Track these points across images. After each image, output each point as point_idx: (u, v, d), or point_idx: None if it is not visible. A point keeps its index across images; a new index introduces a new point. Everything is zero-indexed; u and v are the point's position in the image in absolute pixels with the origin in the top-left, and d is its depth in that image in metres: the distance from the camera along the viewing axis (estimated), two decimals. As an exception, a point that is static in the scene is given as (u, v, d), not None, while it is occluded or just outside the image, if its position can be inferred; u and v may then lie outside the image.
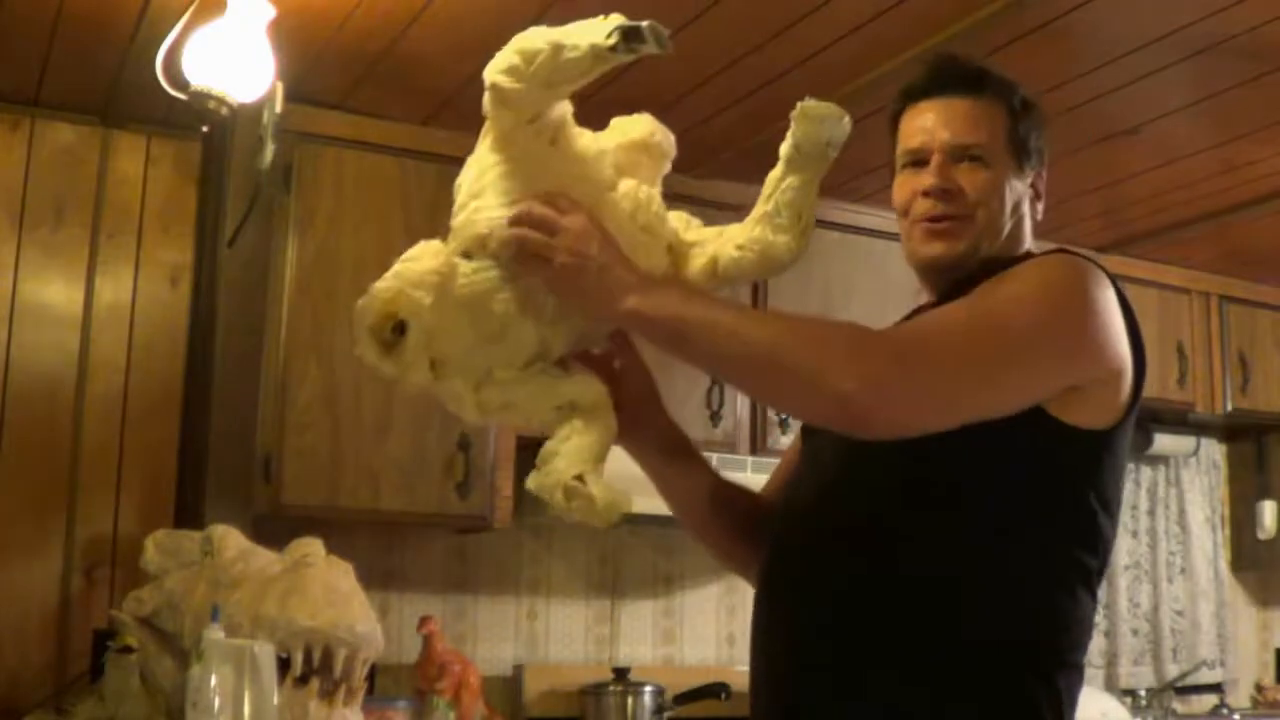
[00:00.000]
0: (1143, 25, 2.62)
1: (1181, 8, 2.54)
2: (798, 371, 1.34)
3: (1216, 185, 3.52)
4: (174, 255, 3.25)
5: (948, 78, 1.62)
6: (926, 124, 1.60)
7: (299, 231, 2.97)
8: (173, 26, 2.59)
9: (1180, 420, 4.28)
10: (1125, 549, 4.37)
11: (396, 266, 1.37)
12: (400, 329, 1.33)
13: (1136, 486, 4.43)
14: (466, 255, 1.39)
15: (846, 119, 1.48)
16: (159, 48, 2.62)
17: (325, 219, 2.98)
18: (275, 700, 2.18)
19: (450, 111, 3.02)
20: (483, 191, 1.38)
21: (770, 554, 1.58)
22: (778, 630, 1.53)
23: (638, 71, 2.87)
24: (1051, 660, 1.42)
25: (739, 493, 1.74)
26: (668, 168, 1.54)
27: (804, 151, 1.48)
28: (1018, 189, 1.61)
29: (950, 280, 1.57)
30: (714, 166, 3.35)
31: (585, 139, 1.44)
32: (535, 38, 1.31)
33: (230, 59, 2.58)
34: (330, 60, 2.82)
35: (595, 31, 1.29)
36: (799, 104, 1.47)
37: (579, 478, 1.36)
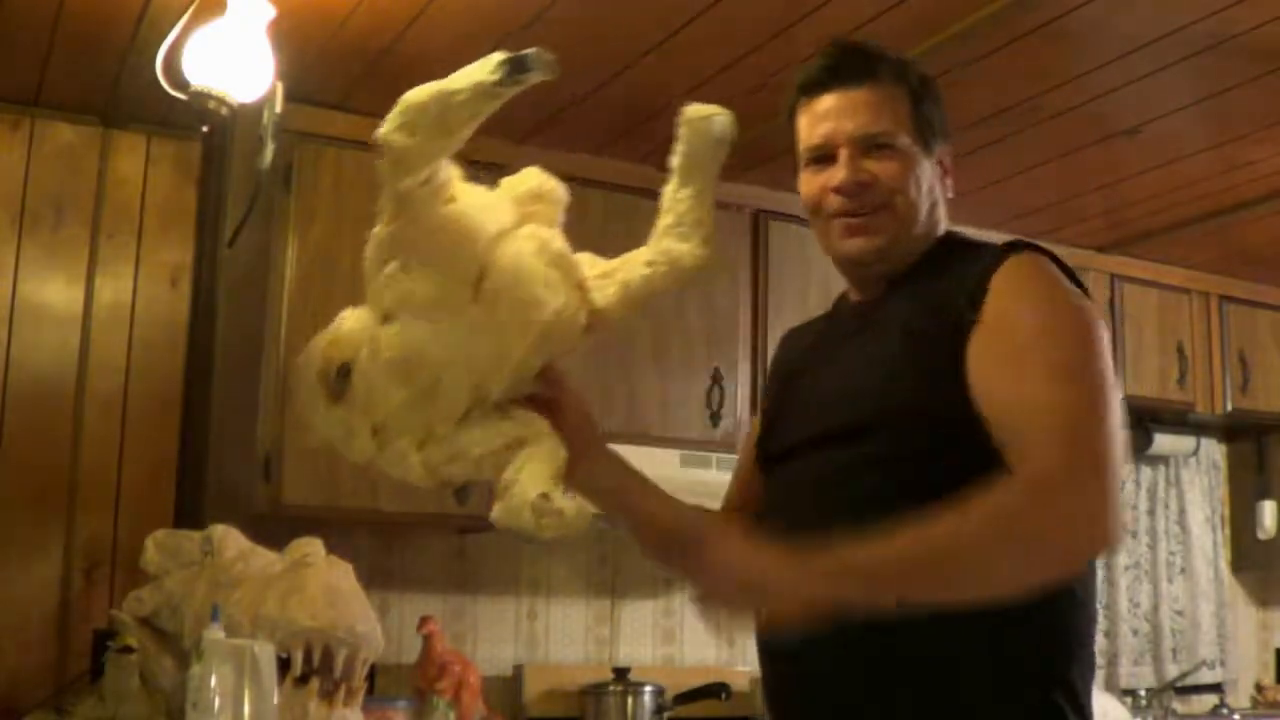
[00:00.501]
0: (1143, 25, 2.62)
1: (1182, 8, 2.54)
2: (1024, 559, 1.30)
3: (1216, 185, 3.52)
4: (174, 255, 3.25)
5: (842, 67, 1.58)
6: (828, 118, 1.57)
7: (299, 231, 2.97)
8: (173, 26, 2.59)
9: (1180, 420, 4.28)
10: (1125, 549, 4.37)
11: (326, 330, 1.40)
12: (345, 372, 1.35)
13: (1136, 486, 4.43)
14: (387, 319, 1.39)
15: (729, 118, 1.47)
16: (159, 48, 2.62)
17: (325, 219, 2.98)
18: (275, 700, 2.18)
19: (450, 111, 3.02)
20: (391, 257, 1.38)
21: None
22: (806, 656, 1.49)
23: (638, 72, 2.88)
24: (1066, 658, 1.43)
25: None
26: (563, 216, 1.51)
27: (694, 158, 1.49)
28: (928, 170, 1.58)
29: (879, 274, 1.58)
30: (714, 166, 3.35)
31: (479, 193, 1.44)
32: (420, 92, 1.32)
33: (230, 59, 2.58)
34: (330, 60, 2.82)
35: (479, 70, 1.31)
36: (682, 110, 1.47)
37: (543, 495, 1.36)
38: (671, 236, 1.49)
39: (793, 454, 1.58)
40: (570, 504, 1.36)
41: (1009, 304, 1.44)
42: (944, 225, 1.61)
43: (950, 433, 1.41)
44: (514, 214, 1.47)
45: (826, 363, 1.62)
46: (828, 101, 1.57)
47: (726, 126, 1.48)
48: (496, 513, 1.37)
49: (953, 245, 1.60)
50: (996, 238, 1.60)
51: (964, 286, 1.47)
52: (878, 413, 1.47)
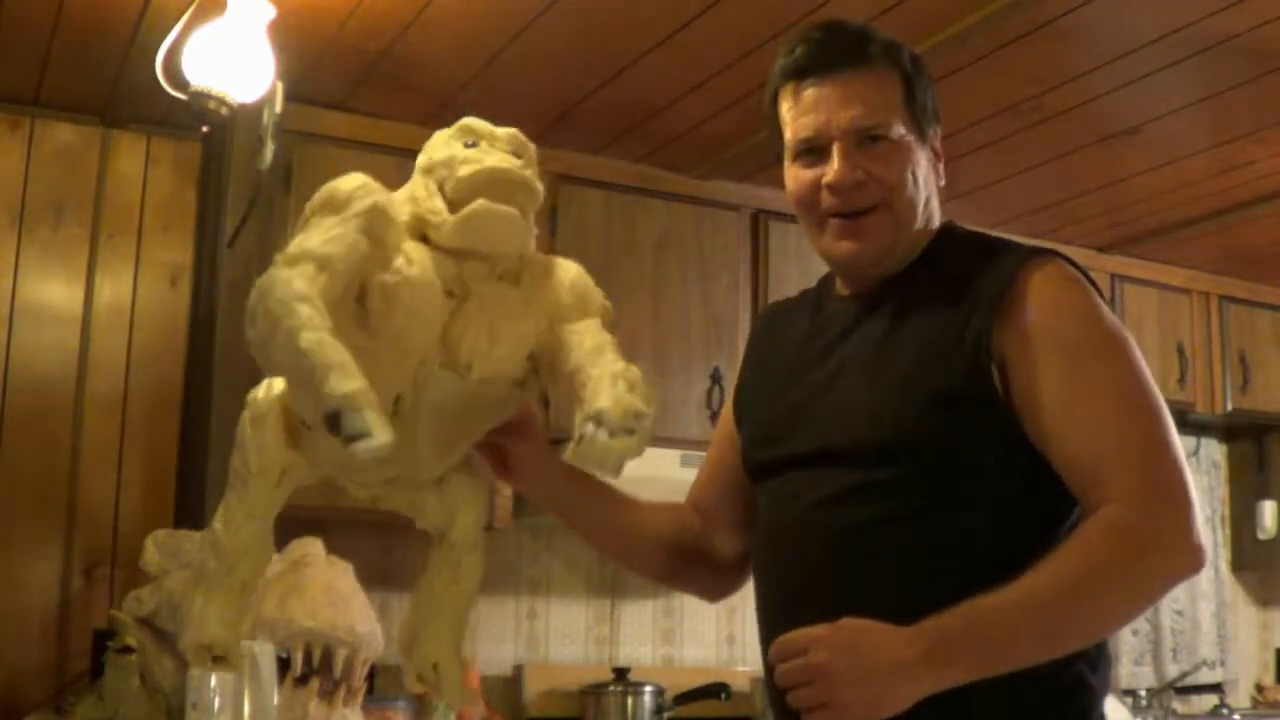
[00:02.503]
0: (1143, 25, 2.62)
1: (1181, 8, 2.54)
2: (1140, 580, 1.30)
3: (1216, 185, 3.52)
4: (174, 255, 3.25)
5: (831, 50, 1.47)
6: (818, 108, 1.45)
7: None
8: (173, 26, 2.58)
9: (1180, 420, 4.27)
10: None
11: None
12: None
13: (1136, 486, 4.43)
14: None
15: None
16: (159, 48, 2.62)
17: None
18: (275, 700, 2.18)
19: (450, 111, 3.00)
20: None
21: (783, 594, 1.48)
22: None
23: (637, 73, 2.88)
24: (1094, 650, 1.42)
25: (663, 513, 1.66)
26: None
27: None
28: (923, 160, 1.49)
29: (874, 274, 1.51)
30: (714, 166, 3.35)
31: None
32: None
33: (230, 59, 2.57)
34: (330, 60, 2.82)
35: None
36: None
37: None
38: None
39: (789, 466, 1.50)
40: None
41: (1054, 324, 1.38)
42: (938, 215, 1.54)
43: (970, 458, 1.38)
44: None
45: (822, 367, 1.52)
46: (817, 89, 1.46)
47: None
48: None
49: (956, 241, 1.53)
50: (997, 235, 1.55)
51: (984, 297, 1.40)
52: (894, 436, 1.39)
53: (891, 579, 1.37)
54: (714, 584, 1.71)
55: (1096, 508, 1.32)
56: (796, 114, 1.48)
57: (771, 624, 1.46)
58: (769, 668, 1.33)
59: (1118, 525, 1.29)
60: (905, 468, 1.39)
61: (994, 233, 1.57)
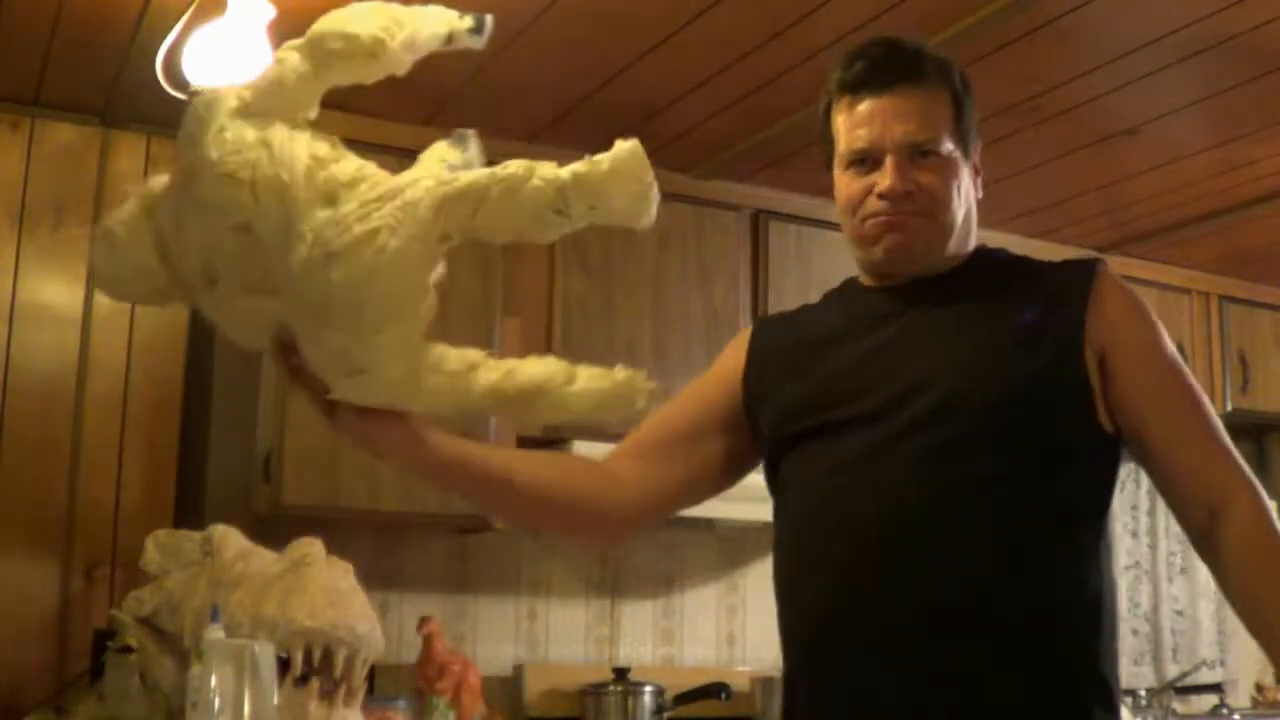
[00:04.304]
0: (1143, 25, 2.62)
1: (1181, 8, 2.54)
2: None
3: (1216, 185, 3.52)
4: (174, 255, 3.25)
5: (887, 67, 1.55)
6: (874, 121, 1.54)
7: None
8: (173, 26, 2.59)
9: (1180, 420, 4.27)
10: (1125, 549, 4.37)
11: None
12: None
13: (1137, 486, 4.43)
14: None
15: None
16: (159, 48, 2.62)
17: (325, 219, 2.97)
18: (275, 700, 2.18)
19: (450, 111, 3.03)
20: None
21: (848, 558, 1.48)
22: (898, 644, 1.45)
23: (637, 73, 2.88)
24: (1111, 633, 1.58)
25: (569, 464, 1.74)
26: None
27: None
28: (966, 176, 1.59)
29: (907, 275, 1.57)
30: (714, 166, 3.36)
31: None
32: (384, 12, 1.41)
33: (230, 59, 2.57)
34: (330, 60, 2.81)
35: (447, 17, 1.37)
36: None
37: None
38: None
39: (851, 426, 1.51)
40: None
41: (1141, 320, 1.56)
42: (974, 231, 1.62)
43: (1054, 428, 1.47)
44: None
45: (872, 339, 1.56)
46: (873, 103, 1.54)
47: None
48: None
49: (994, 254, 1.64)
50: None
51: (1072, 290, 1.52)
52: (994, 394, 1.46)
53: (984, 531, 1.44)
54: (601, 535, 1.82)
55: (1209, 494, 1.49)
56: (851, 125, 1.56)
57: (841, 578, 1.47)
58: (817, 626, 1.45)
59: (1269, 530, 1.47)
60: (996, 428, 1.46)
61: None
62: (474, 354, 1.31)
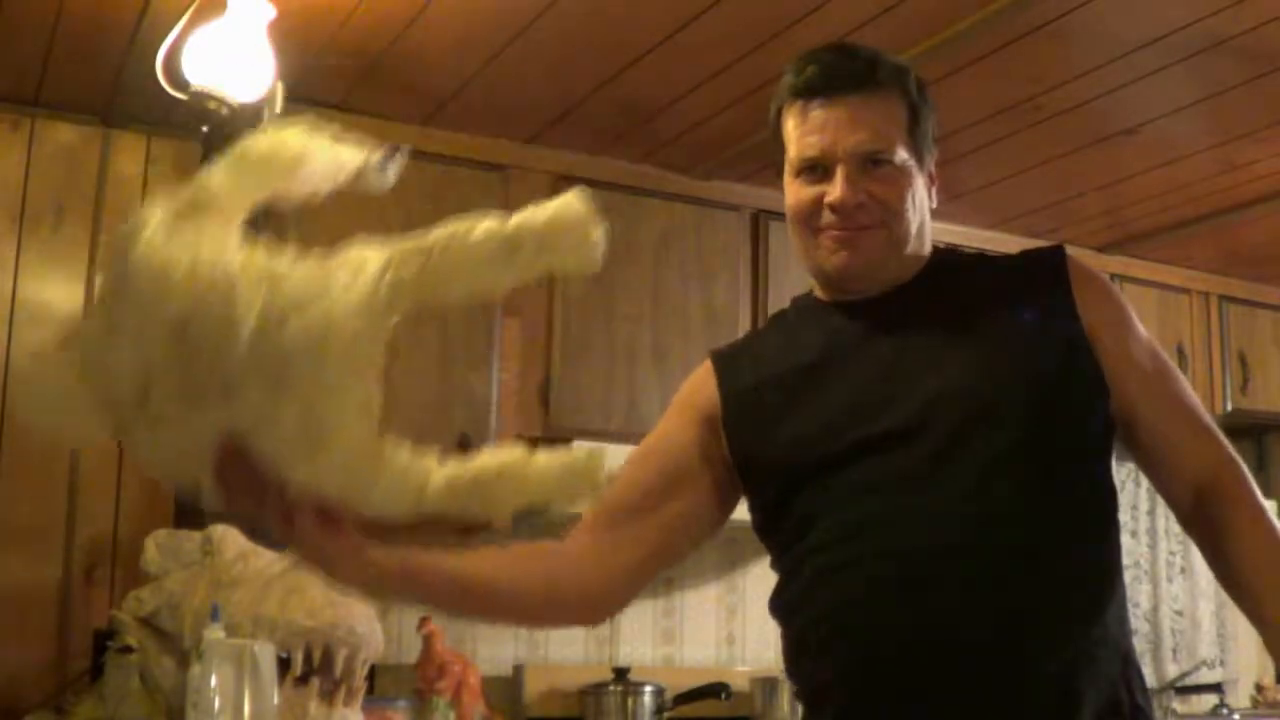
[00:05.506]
0: (1143, 25, 2.62)
1: (1181, 8, 2.54)
2: None
3: (1216, 185, 3.52)
4: (174, 255, 3.25)
5: (840, 73, 1.50)
6: (825, 129, 1.48)
7: (299, 231, 2.96)
8: (173, 26, 2.59)
9: (1180, 420, 4.27)
10: (1125, 549, 4.34)
11: None
12: None
13: (1136, 486, 4.43)
14: None
15: None
16: (159, 48, 2.62)
17: (325, 219, 2.97)
18: (275, 700, 2.19)
19: (450, 111, 3.03)
20: None
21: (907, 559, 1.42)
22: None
23: (637, 72, 2.88)
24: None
25: (530, 555, 1.53)
26: None
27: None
28: (921, 185, 1.53)
29: (858, 290, 1.55)
30: (714, 166, 3.35)
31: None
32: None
33: (230, 59, 2.58)
34: (330, 60, 2.81)
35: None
36: None
37: None
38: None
39: (875, 447, 1.45)
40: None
41: (1116, 297, 1.55)
42: (929, 240, 1.58)
43: (1078, 416, 1.48)
44: None
45: (869, 360, 1.51)
46: (825, 110, 1.49)
47: None
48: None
49: (955, 255, 1.63)
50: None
51: (1055, 281, 1.51)
52: (1021, 400, 1.44)
53: (1044, 536, 1.43)
54: (584, 620, 1.65)
55: (1198, 468, 1.51)
56: (803, 132, 1.51)
57: (892, 607, 1.40)
58: (863, 659, 1.40)
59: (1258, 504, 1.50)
60: (1039, 432, 1.44)
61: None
62: (427, 451, 1.26)
